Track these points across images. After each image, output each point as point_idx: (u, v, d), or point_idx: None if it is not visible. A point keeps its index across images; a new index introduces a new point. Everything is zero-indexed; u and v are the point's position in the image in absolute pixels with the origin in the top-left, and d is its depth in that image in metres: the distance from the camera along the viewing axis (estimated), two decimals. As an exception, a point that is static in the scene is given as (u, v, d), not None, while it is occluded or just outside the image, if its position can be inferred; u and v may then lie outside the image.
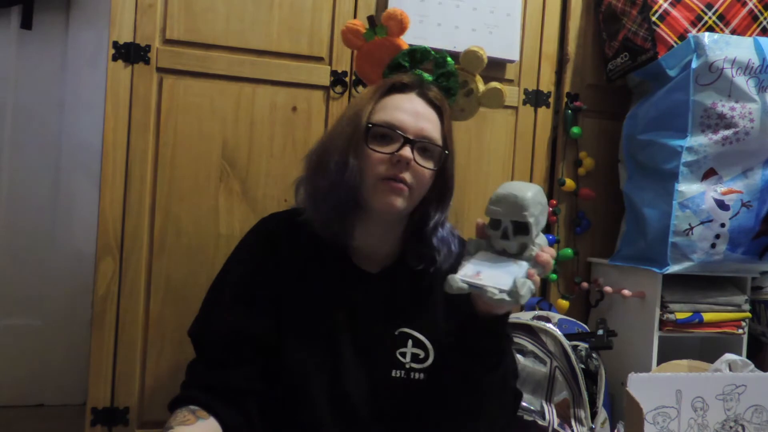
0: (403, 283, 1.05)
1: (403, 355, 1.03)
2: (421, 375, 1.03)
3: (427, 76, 1.08)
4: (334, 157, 0.98)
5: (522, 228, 0.87)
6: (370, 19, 1.09)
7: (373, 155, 0.97)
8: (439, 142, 1.02)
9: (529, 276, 0.85)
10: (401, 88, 1.03)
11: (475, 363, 0.95)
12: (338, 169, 0.97)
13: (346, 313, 1.02)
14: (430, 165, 1.00)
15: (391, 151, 0.97)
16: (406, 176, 0.97)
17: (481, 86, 1.12)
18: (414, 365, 1.03)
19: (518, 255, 0.88)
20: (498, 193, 0.89)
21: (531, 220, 0.86)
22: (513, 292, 0.82)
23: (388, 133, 0.98)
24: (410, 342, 1.04)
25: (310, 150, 1.06)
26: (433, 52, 1.09)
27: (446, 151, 1.02)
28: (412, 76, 1.06)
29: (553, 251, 0.90)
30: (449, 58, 1.09)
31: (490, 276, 0.84)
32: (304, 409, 0.98)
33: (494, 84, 1.12)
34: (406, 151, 0.97)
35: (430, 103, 1.03)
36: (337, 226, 1.00)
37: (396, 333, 1.03)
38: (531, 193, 0.87)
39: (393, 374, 1.02)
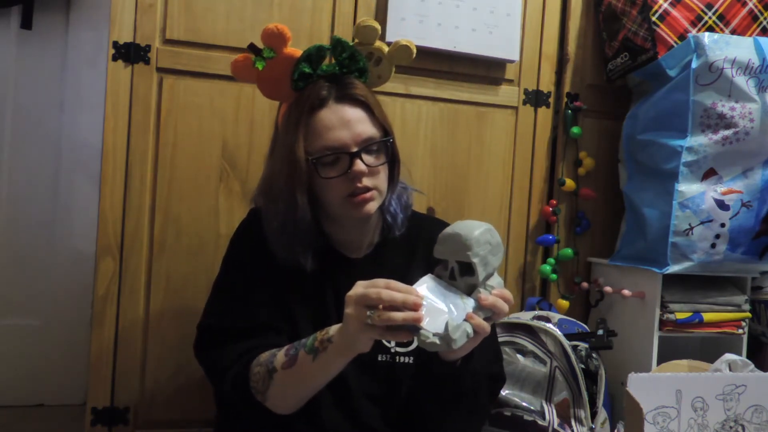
0: (386, 268, 1.06)
1: (388, 339, 1.04)
2: (408, 359, 1.05)
3: (333, 68, 1.03)
4: (281, 197, 1.00)
5: (468, 269, 0.84)
6: (252, 47, 1.02)
7: (330, 182, 0.98)
8: (379, 133, 1.01)
9: (467, 318, 0.82)
10: (320, 104, 0.99)
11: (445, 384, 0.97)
12: (288, 210, 0.99)
13: (333, 299, 1.04)
14: (382, 159, 1.01)
15: (344, 171, 0.97)
16: (368, 183, 0.99)
17: (386, 48, 1.09)
18: (399, 349, 1.05)
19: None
20: (444, 232, 0.87)
21: (476, 260, 0.83)
22: (445, 336, 0.79)
23: (332, 157, 0.98)
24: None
25: (258, 185, 1.08)
26: (325, 45, 1.02)
27: (390, 139, 1.02)
28: (323, 85, 1.01)
29: (506, 293, 0.87)
30: (343, 40, 1.03)
31: (430, 310, 0.81)
32: None
33: (399, 41, 1.08)
34: (358, 165, 0.97)
35: (353, 101, 1.00)
36: (295, 256, 1.01)
37: None
38: (478, 233, 0.84)
39: (379, 359, 1.04)
